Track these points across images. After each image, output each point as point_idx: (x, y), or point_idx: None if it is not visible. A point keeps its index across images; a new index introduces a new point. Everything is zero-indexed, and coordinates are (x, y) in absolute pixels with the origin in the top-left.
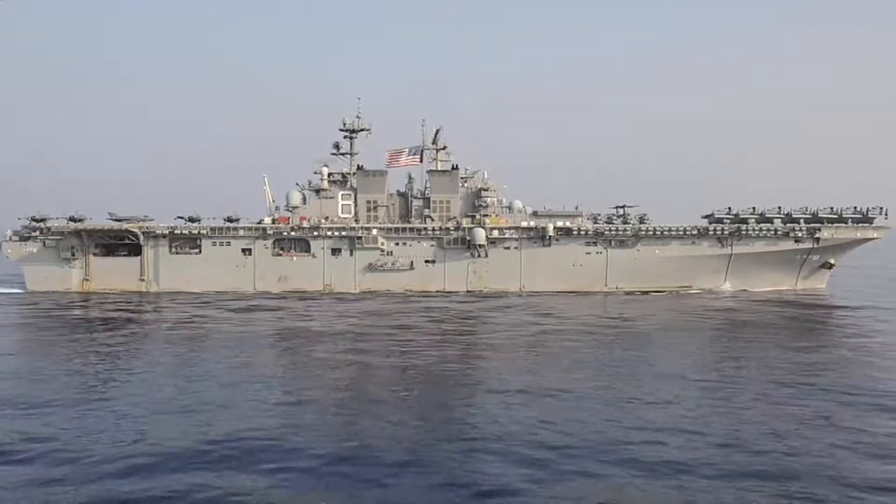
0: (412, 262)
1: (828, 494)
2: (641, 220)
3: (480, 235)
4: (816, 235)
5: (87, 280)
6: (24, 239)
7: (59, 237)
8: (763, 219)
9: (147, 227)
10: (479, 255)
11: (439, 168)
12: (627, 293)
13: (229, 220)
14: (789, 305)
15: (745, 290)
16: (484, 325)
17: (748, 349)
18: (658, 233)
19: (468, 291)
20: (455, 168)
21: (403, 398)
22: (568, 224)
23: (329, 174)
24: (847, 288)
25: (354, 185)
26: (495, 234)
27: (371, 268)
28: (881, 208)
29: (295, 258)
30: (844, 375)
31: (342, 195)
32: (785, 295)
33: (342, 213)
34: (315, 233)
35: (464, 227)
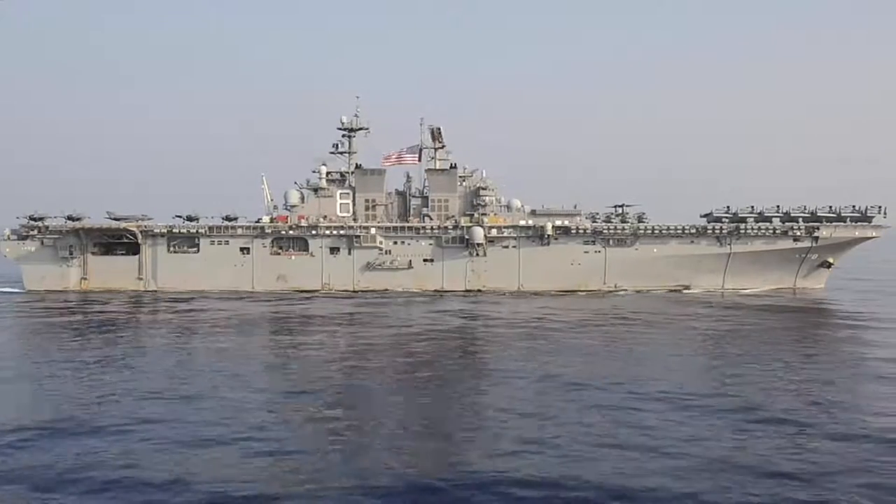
0: (410, 261)
1: None
2: (640, 219)
3: (479, 234)
4: (815, 234)
5: (84, 279)
6: (21, 238)
7: (57, 236)
8: (762, 218)
9: (145, 227)
10: (477, 254)
11: (438, 167)
12: (590, 291)
13: (227, 219)
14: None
15: (728, 290)
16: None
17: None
18: (657, 231)
19: (466, 290)
20: (453, 167)
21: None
22: (566, 223)
23: (327, 173)
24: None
25: (353, 184)
26: (494, 232)
27: (369, 267)
28: (880, 207)
29: (293, 257)
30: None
31: (340, 194)
32: (761, 296)
33: (340, 211)
34: (313, 232)
35: (462, 226)
